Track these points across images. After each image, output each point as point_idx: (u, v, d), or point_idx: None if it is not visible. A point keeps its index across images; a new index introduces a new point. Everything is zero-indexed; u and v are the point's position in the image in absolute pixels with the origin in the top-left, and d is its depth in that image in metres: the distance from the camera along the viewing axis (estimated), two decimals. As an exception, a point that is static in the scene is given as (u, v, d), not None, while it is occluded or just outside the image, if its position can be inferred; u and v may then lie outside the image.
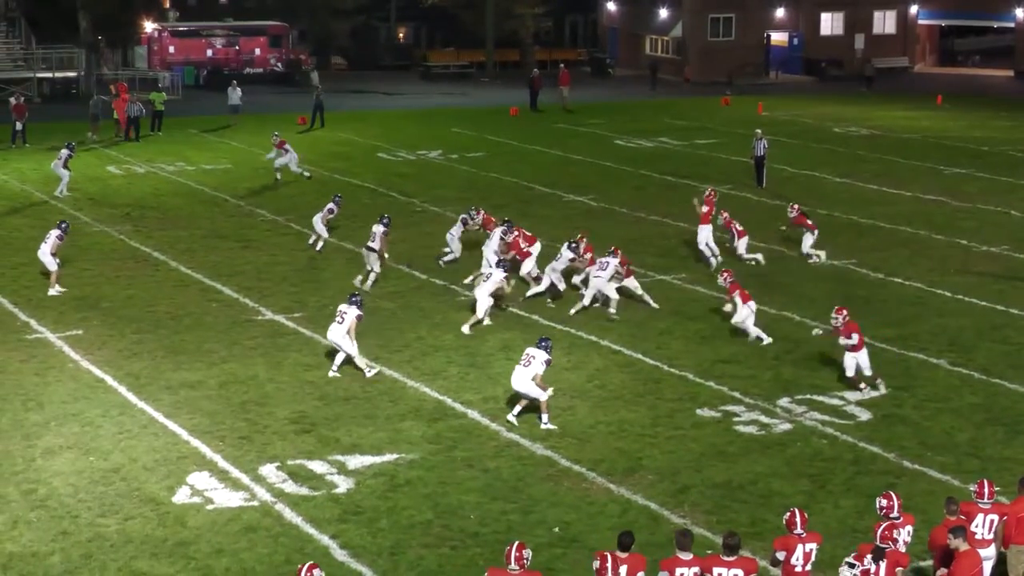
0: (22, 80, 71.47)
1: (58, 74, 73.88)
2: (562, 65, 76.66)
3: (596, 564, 14.91)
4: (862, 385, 24.71)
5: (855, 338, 24.65)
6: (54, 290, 31.49)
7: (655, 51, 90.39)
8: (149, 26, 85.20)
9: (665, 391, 24.86)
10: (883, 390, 24.62)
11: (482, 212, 33.89)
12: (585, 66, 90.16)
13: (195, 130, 60.02)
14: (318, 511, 19.58)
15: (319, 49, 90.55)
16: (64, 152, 44.20)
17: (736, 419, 23.42)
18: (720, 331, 28.58)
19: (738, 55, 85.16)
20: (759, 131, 46.92)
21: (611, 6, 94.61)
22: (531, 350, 23.02)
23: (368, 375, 25.38)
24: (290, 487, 20.43)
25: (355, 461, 21.44)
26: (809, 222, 34.90)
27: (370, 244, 32.05)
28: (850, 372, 24.77)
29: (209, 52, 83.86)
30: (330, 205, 36.00)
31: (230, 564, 17.96)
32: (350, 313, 25.39)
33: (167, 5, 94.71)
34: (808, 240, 34.87)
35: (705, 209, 34.34)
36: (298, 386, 25.02)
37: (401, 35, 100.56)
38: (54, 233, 32.19)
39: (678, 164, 50.98)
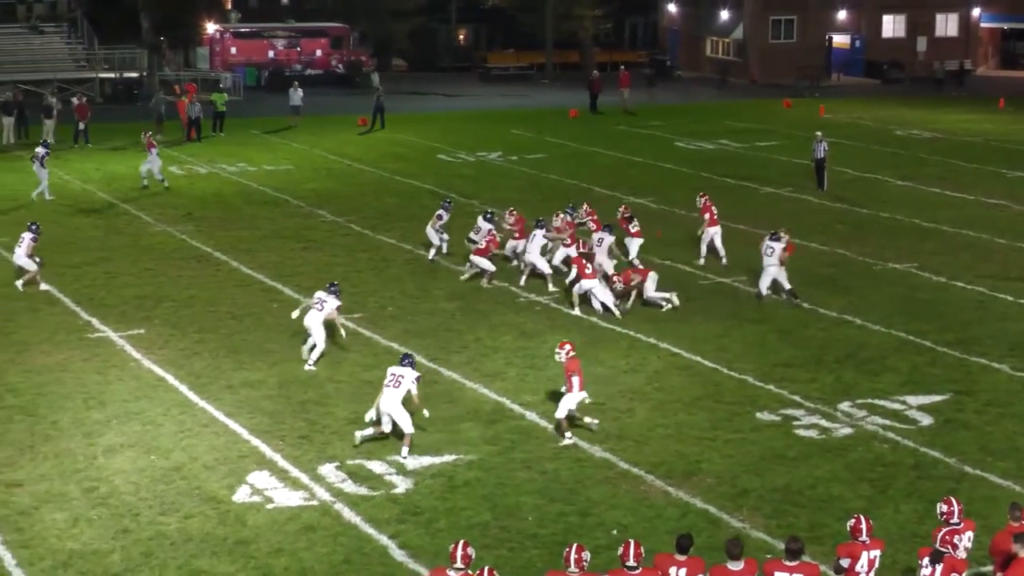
0: (84, 80, 72.07)
1: (120, 74, 74.41)
2: (622, 67, 76.56)
3: (620, 551, 14.92)
4: (568, 434, 22.43)
5: (576, 381, 22.23)
6: (28, 285, 31.88)
7: (716, 53, 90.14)
8: (211, 27, 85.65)
9: (724, 394, 24.78)
10: (594, 428, 22.80)
11: (513, 213, 34.29)
12: (646, 68, 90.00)
13: (257, 131, 60.34)
14: (377, 511, 19.63)
15: (379, 51, 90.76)
16: (40, 151, 43.61)
17: (796, 423, 23.31)
18: (780, 334, 28.47)
19: (799, 57, 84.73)
20: (819, 134, 46.69)
21: (671, 8, 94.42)
22: (396, 369, 21.99)
23: (308, 368, 25.89)
24: (349, 487, 20.50)
25: (413, 462, 21.48)
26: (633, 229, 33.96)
27: (472, 236, 32.95)
28: (560, 414, 22.49)
29: (270, 53, 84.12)
30: (439, 212, 35.13)
31: (289, 563, 18.04)
32: (330, 303, 26.11)
33: (229, 6, 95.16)
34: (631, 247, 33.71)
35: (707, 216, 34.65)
36: (357, 386, 25.09)
37: (461, 37, 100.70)
38: (27, 236, 32.16)
39: (739, 166, 50.82)
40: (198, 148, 55.34)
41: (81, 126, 55.40)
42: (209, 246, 36.83)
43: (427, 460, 21.54)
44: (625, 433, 22.80)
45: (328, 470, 21.13)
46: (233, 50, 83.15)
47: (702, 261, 34.62)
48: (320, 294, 26.37)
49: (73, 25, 77.87)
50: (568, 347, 22.62)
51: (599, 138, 58.55)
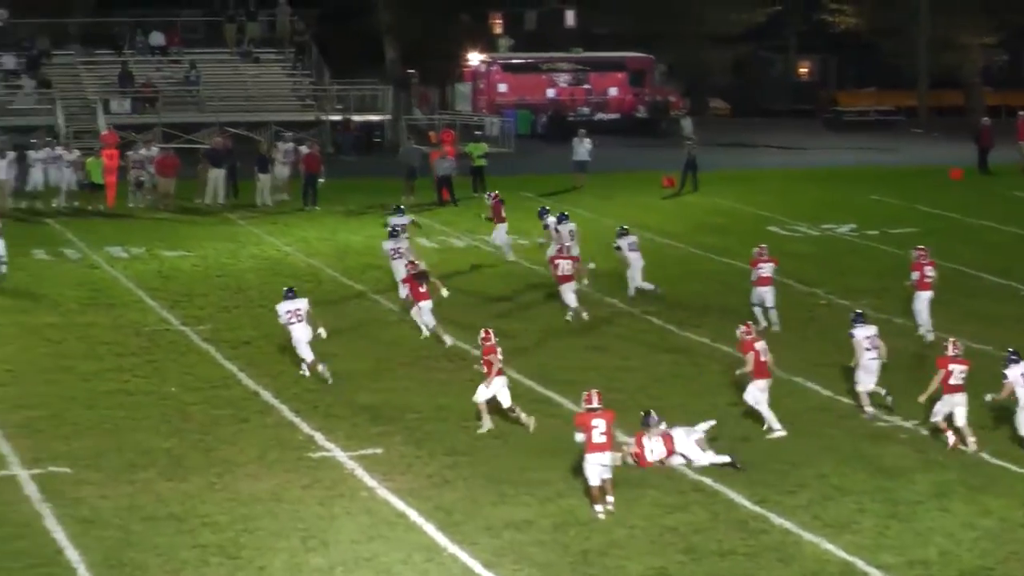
0: (311, 124, 73.39)
1: (357, 117, 75.66)
2: (1021, 113, 75.43)
3: None
4: None
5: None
6: None
7: None
8: (474, 57, 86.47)
9: None
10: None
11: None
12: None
13: (529, 192, 60.89)
14: None
15: (692, 88, 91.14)
16: None
17: None
18: None
19: None
20: None
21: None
22: (289, 305, 33.39)
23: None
24: (644, 667, 20.42)
25: (733, 641, 21.29)
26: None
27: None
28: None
29: (550, 92, 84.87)
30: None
31: None
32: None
33: (498, 31, 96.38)
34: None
35: None
36: (657, 533, 24.92)
37: (802, 71, 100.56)
38: None
39: None
40: (452, 214, 56.13)
41: (311, 182, 56.39)
42: (467, 342, 37.18)
43: (750, 637, 21.32)
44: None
45: (617, 644, 21.06)
46: (502, 87, 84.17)
47: (931, 336, 36.34)
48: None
49: (299, 52, 79.22)
50: None
51: (990, 207, 57.72)
